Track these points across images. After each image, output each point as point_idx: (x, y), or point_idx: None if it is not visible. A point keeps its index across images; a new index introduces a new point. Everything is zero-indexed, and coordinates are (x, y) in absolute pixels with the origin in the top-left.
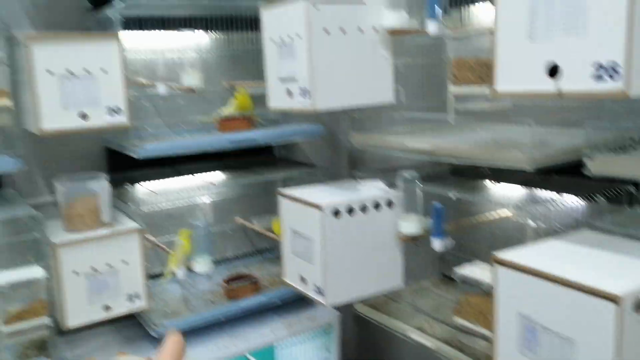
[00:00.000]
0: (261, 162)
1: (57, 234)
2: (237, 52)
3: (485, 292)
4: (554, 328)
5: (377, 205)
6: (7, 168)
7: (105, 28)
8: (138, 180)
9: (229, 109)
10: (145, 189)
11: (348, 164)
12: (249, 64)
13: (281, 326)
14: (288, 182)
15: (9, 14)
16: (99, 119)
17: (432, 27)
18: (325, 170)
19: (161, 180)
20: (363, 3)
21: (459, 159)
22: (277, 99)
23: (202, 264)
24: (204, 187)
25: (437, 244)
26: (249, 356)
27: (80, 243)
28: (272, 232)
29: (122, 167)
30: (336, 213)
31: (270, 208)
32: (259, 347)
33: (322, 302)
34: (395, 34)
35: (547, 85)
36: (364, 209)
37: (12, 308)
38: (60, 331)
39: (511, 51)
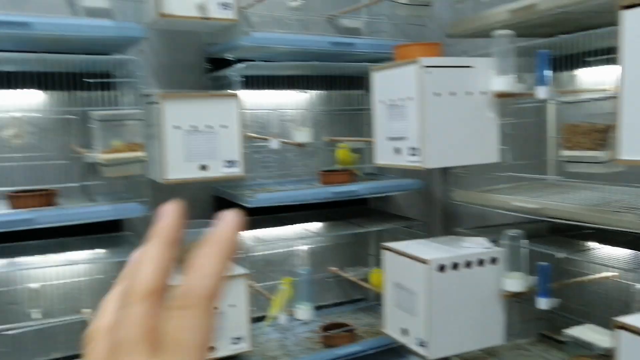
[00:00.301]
0: (356, 213)
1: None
2: (338, 109)
3: (599, 355)
4: None
5: (481, 262)
6: (135, 214)
7: (222, 87)
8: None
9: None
10: (249, 236)
11: (442, 219)
12: (348, 120)
13: None
14: (382, 235)
15: (141, 74)
16: (217, 171)
17: (541, 91)
18: (419, 224)
19: (263, 228)
20: (472, 67)
21: (567, 219)
22: (385, 156)
23: (303, 311)
24: (302, 235)
25: (543, 303)
26: None
27: None
28: (368, 282)
29: None
30: (441, 268)
31: (363, 259)
32: None
33: (425, 354)
34: (502, 97)
35: None
36: (468, 264)
37: None
38: None
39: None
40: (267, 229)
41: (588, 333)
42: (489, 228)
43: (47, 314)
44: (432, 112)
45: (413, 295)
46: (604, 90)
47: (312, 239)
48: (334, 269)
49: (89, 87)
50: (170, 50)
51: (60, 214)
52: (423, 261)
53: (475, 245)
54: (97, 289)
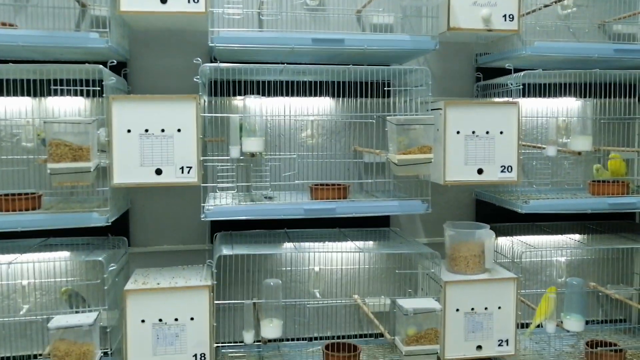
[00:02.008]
0: (622, 227)
1: (444, 273)
2: (608, 118)
3: None
4: None
5: None
6: (418, 211)
7: (490, 95)
8: (504, 234)
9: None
10: (511, 243)
11: None
12: (617, 130)
13: None
14: None
15: (429, 82)
16: (492, 175)
17: None
18: None
19: (525, 236)
20: None
21: None
22: None
23: (573, 322)
24: (564, 248)
25: None
26: None
27: (465, 283)
28: (637, 303)
29: (487, 218)
30: None
31: (627, 277)
32: None
33: None
34: None
35: None
36: None
37: (410, 330)
38: None
39: None
40: (529, 236)
41: None
42: None
43: (324, 295)
44: None
45: None
46: None
47: (573, 250)
48: (593, 284)
49: (372, 94)
50: (441, 60)
51: (355, 206)
52: None
53: None
54: (364, 278)
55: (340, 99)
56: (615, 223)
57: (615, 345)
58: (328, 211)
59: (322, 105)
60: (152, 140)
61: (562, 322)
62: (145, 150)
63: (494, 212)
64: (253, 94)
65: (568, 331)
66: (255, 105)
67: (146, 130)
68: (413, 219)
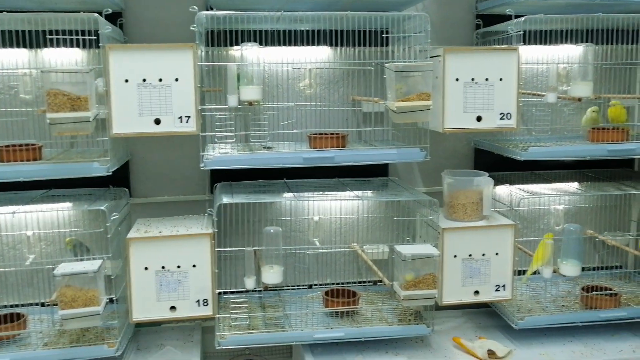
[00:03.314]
0: (620, 175)
1: (442, 220)
2: (609, 64)
3: None
4: None
5: None
6: (417, 158)
7: (490, 42)
8: (503, 181)
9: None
10: (510, 191)
11: None
12: (617, 76)
13: None
14: None
15: (427, 29)
16: (492, 122)
17: None
18: None
19: (524, 184)
20: None
21: None
22: None
23: (569, 268)
24: (563, 195)
25: None
26: None
27: (462, 230)
28: (633, 249)
29: (487, 167)
30: None
31: (623, 224)
32: None
33: None
34: None
35: None
36: None
37: (408, 276)
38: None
39: None
40: (528, 185)
41: None
42: None
43: (324, 244)
44: None
45: None
46: None
47: (570, 198)
48: (590, 231)
49: (370, 43)
50: (441, 7)
51: (354, 154)
52: None
53: None
54: (363, 227)
55: (339, 47)
56: (613, 171)
57: (610, 289)
58: (327, 159)
59: (320, 55)
60: (150, 90)
61: (558, 268)
62: (143, 100)
63: (492, 160)
64: (250, 42)
65: (565, 276)
66: (252, 54)
67: (144, 80)
68: (411, 168)
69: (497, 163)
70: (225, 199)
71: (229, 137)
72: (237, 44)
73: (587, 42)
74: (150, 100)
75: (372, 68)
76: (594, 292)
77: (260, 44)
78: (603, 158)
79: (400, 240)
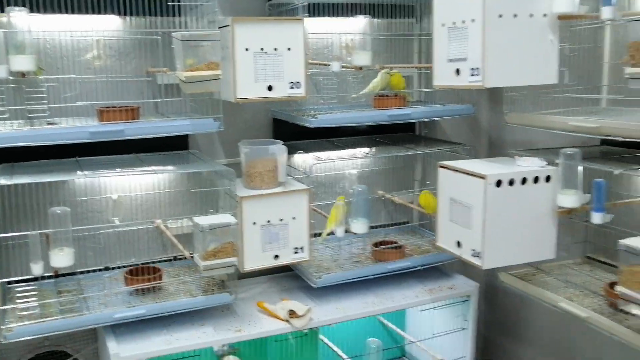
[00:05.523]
0: (405, 139)
1: (240, 189)
2: (390, 35)
3: None
4: None
5: (536, 179)
6: (210, 129)
7: (281, 14)
8: (299, 150)
9: (374, 87)
10: (305, 158)
11: (489, 144)
12: (398, 48)
13: (422, 291)
14: (430, 160)
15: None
16: (282, 91)
17: (606, 12)
18: (466, 148)
19: (320, 152)
20: None
21: (626, 137)
22: (444, 78)
23: (358, 225)
24: (353, 159)
25: (598, 218)
26: (381, 319)
27: (259, 198)
28: (417, 205)
29: (285, 136)
30: (498, 183)
31: (409, 183)
32: (401, 307)
33: (479, 264)
34: (564, 19)
35: None
36: (524, 181)
37: (208, 246)
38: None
39: None
40: (322, 152)
41: None
42: (540, 150)
43: (125, 222)
44: (494, 33)
45: (468, 210)
46: None
47: (362, 162)
48: (381, 192)
49: (161, 12)
50: None
51: (145, 127)
52: (481, 177)
53: (530, 164)
54: (166, 202)
55: (128, 17)
56: (399, 135)
57: (395, 242)
58: (116, 133)
59: (109, 24)
60: None
61: (350, 227)
62: None
63: (290, 130)
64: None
65: (355, 234)
66: (23, 21)
67: None
68: (212, 140)
69: (295, 133)
70: (3, 181)
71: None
72: (2, 11)
73: (369, 15)
74: None
75: (159, 37)
76: (382, 247)
77: (36, 10)
78: (384, 123)
79: (204, 213)
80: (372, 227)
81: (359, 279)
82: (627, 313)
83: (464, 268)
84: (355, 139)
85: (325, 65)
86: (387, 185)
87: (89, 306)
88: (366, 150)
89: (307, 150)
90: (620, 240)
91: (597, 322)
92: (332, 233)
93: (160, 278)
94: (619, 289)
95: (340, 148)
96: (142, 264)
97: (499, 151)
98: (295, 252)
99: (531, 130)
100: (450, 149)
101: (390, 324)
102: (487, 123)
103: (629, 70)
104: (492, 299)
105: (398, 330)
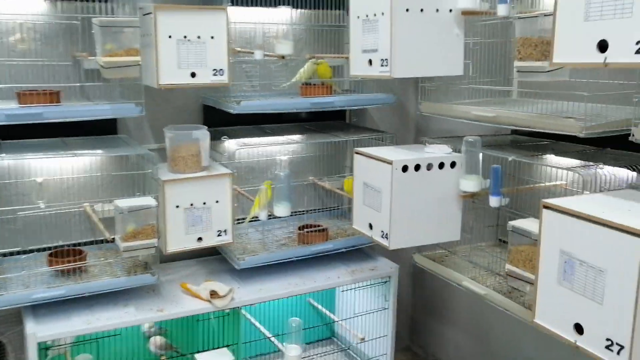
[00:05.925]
0: (334, 127)
1: (164, 173)
2: (318, 26)
3: (534, 242)
4: (589, 261)
5: (441, 165)
6: (132, 114)
7: (209, 2)
8: (229, 136)
9: (301, 76)
10: (234, 144)
11: (413, 132)
12: (328, 38)
13: (345, 272)
14: (358, 145)
15: None
16: (205, 78)
17: (502, 10)
18: (391, 135)
19: (247, 138)
20: None
21: (518, 125)
22: (358, 68)
23: (282, 209)
24: (282, 146)
25: (494, 201)
26: (310, 300)
27: (183, 182)
28: (342, 190)
29: (216, 123)
30: (404, 168)
31: (339, 169)
32: (323, 287)
33: (386, 245)
34: (467, 14)
35: (597, 58)
36: (429, 167)
37: (129, 228)
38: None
39: (568, 30)
40: (249, 138)
41: (527, 223)
42: (453, 138)
43: (51, 206)
44: (402, 27)
45: (379, 193)
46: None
47: (292, 149)
48: (312, 177)
49: None
50: None
51: (65, 110)
52: (388, 162)
53: (437, 151)
54: (94, 185)
55: (58, 2)
56: (329, 123)
57: (319, 226)
58: (34, 116)
59: (36, 8)
60: None
61: (273, 211)
62: None
63: (220, 117)
64: None
65: (279, 217)
66: None
67: None
68: (142, 125)
69: (225, 119)
70: None
71: None
72: None
73: (299, 6)
74: None
75: (78, 22)
76: (306, 230)
77: None
78: (308, 110)
79: (132, 197)
80: (302, 212)
81: (283, 261)
82: (520, 290)
83: (389, 251)
84: (286, 125)
85: (249, 53)
86: (319, 171)
87: (7, 287)
88: (295, 137)
89: (235, 136)
90: (509, 222)
91: (494, 299)
92: (257, 217)
93: (84, 260)
94: (508, 267)
95: (269, 135)
96: (68, 246)
97: (424, 137)
98: (219, 235)
99: (452, 119)
100: (375, 136)
101: (318, 305)
102: (414, 112)
103: (517, 63)
104: (418, 281)
105: (325, 310)
